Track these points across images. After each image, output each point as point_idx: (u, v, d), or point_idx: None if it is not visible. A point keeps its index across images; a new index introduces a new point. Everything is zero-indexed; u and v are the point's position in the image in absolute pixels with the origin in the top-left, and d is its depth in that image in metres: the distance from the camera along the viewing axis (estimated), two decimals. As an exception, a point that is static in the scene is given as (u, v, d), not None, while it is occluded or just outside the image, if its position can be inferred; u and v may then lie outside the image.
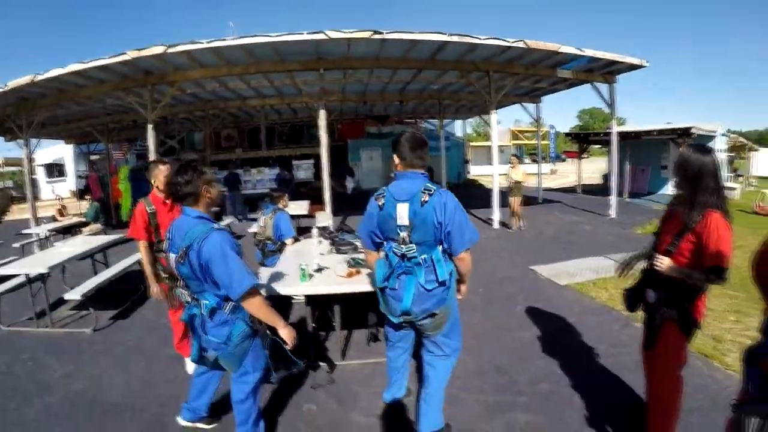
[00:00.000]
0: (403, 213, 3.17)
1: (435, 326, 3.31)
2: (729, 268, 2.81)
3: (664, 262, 3.05)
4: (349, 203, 17.45)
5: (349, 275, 4.67)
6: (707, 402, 3.83)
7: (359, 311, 5.24)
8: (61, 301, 6.69)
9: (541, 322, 5.89)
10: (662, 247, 3.16)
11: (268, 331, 3.16)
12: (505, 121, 78.45)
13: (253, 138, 23.36)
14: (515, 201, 12.58)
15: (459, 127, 31.95)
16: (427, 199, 3.12)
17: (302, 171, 22.04)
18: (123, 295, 7.21)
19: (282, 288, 4.50)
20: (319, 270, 4.83)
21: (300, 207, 11.61)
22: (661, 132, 18.88)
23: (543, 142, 38.41)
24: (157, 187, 4.63)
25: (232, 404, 3.25)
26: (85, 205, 14.11)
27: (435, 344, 3.43)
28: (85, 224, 13.47)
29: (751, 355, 2.24)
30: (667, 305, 3.11)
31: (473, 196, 15.96)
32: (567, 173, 36.73)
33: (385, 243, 3.39)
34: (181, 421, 3.64)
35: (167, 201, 4.57)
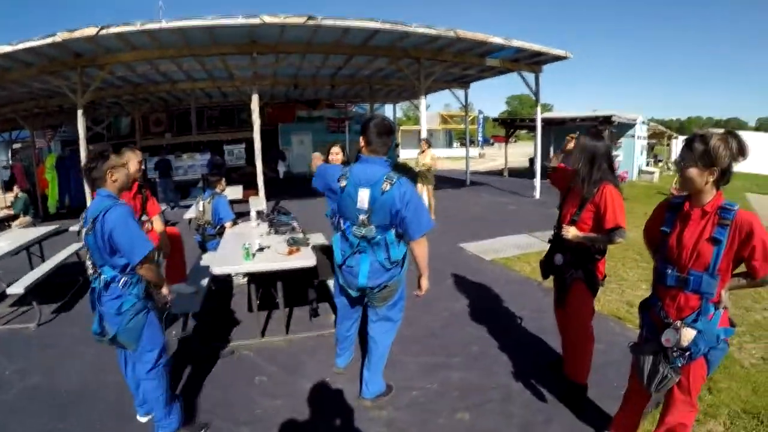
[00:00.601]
0: (364, 198, 3.39)
1: (383, 298, 3.66)
2: (625, 227, 3.40)
3: (570, 231, 3.60)
4: (281, 188, 17.58)
5: (290, 253, 5.05)
6: (620, 356, 4.35)
7: (300, 289, 5.61)
8: (1, 297, 6.61)
9: (469, 294, 6.48)
10: (567, 219, 3.73)
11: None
12: (435, 106, 79.64)
13: (183, 122, 22.63)
14: (426, 189, 11.47)
15: (390, 111, 32.43)
16: (387, 188, 3.32)
17: (234, 156, 21.90)
18: (62, 288, 6.99)
19: (227, 267, 4.88)
20: (261, 249, 5.17)
21: (234, 192, 11.63)
22: (584, 119, 19.95)
23: (472, 127, 39.39)
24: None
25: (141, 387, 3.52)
26: (10, 198, 13.51)
27: (379, 316, 3.77)
28: (13, 217, 12.96)
29: (643, 305, 2.89)
30: (574, 267, 3.68)
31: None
32: (495, 157, 37.65)
33: (341, 221, 3.59)
34: (141, 418, 3.78)
35: (131, 187, 4.75)
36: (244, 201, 11.38)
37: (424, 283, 3.71)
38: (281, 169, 22.14)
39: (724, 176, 2.48)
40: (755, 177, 35.82)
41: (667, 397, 2.76)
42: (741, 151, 2.42)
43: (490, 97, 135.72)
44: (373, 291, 3.61)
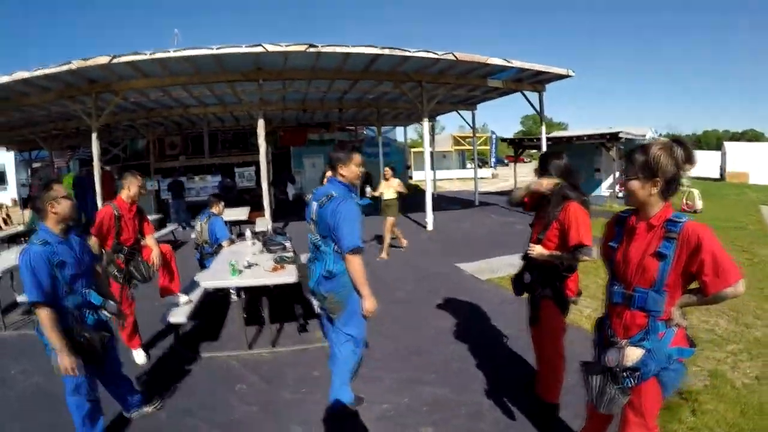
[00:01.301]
0: (313, 210, 3.80)
1: (332, 309, 3.80)
2: (590, 245, 3.35)
3: (535, 249, 3.64)
4: (290, 209, 17.66)
5: (274, 270, 5.36)
6: (585, 367, 4.39)
7: (287, 305, 5.90)
8: (13, 306, 7.00)
9: (460, 313, 6.52)
10: (534, 237, 3.77)
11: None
12: (450, 127, 79.88)
13: (197, 145, 23.12)
14: (388, 221, 10.34)
15: (402, 134, 32.52)
16: (325, 202, 3.67)
17: (244, 178, 22.00)
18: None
19: (215, 282, 5.29)
20: (249, 266, 5.47)
21: (240, 213, 11.79)
22: (590, 137, 19.91)
23: (484, 147, 39.46)
24: (128, 194, 5.10)
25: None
26: (29, 214, 13.92)
27: (336, 329, 3.88)
28: (30, 232, 13.23)
29: (598, 324, 2.79)
30: (542, 285, 3.69)
31: (413, 200, 16.54)
32: (508, 177, 37.64)
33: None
34: (130, 415, 4.03)
35: (132, 207, 5.14)
36: (251, 222, 11.45)
37: (365, 303, 3.75)
38: (290, 191, 22.27)
39: (670, 187, 2.38)
40: (772, 188, 35.31)
41: (622, 419, 2.62)
42: (688, 159, 2.34)
43: (505, 117, 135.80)
44: (324, 298, 3.82)
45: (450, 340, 5.64)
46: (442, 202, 20.47)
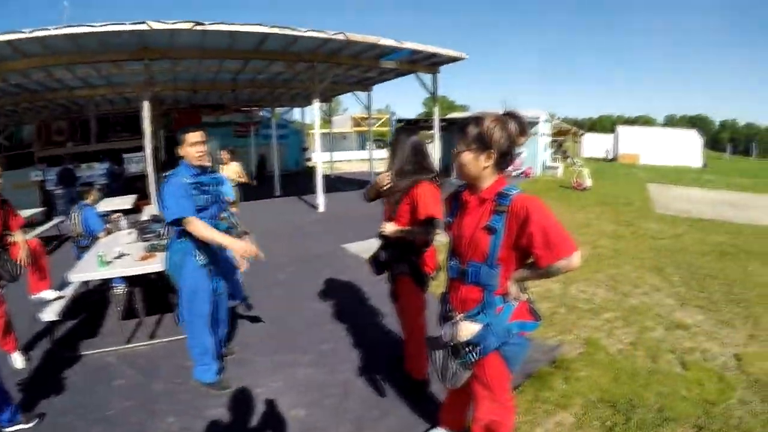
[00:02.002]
0: None
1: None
2: (440, 218, 3.32)
3: (387, 227, 3.63)
4: None
5: (143, 258, 5.12)
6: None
7: (162, 295, 5.72)
8: None
9: (339, 293, 6.58)
10: (387, 215, 3.75)
11: None
12: (353, 108, 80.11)
13: (86, 131, 21.56)
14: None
15: (306, 115, 32.10)
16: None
17: (134, 164, 20.52)
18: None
19: (81, 275, 4.98)
20: (120, 256, 5.21)
21: (125, 202, 11.27)
22: (483, 118, 20.51)
23: (385, 129, 39.57)
24: None
25: None
26: None
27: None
28: None
29: (440, 299, 2.76)
30: (397, 261, 3.68)
31: (308, 182, 16.47)
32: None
33: None
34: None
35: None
36: (138, 210, 10.88)
37: (234, 250, 3.92)
38: None
39: (504, 159, 2.34)
40: (661, 168, 38.04)
41: (473, 394, 2.61)
42: (522, 132, 2.31)
43: (409, 98, 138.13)
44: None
45: (326, 321, 5.66)
46: (339, 183, 20.57)
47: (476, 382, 2.51)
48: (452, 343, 2.44)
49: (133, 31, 9.48)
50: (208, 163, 4.05)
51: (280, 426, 3.65)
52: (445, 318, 2.59)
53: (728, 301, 6.25)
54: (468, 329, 2.38)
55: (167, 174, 3.89)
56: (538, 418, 3.60)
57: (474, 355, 2.39)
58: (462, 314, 2.44)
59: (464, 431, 3.16)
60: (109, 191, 14.59)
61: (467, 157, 2.33)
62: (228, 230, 4.21)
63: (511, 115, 2.34)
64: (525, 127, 2.34)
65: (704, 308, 5.99)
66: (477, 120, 2.33)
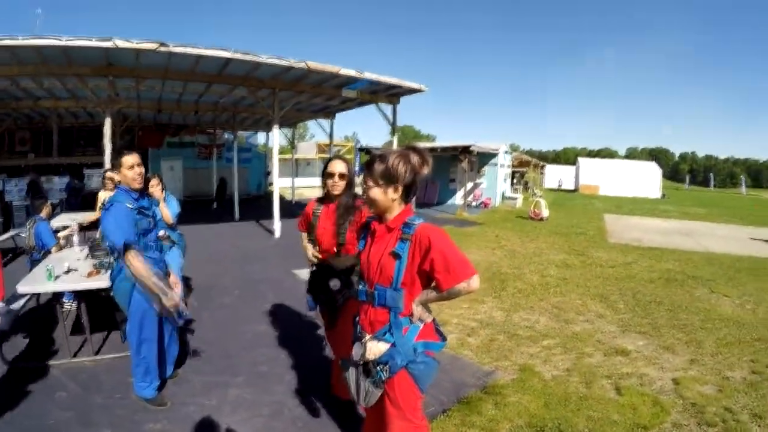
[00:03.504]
0: None
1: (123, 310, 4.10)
2: None
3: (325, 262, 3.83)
4: None
5: (89, 275, 5.15)
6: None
7: (110, 312, 5.73)
8: None
9: (281, 317, 6.64)
10: (327, 246, 3.85)
11: None
12: (319, 135, 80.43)
13: (49, 142, 20.80)
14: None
15: (272, 139, 32.01)
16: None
17: (95, 179, 19.94)
18: None
19: (29, 288, 5.08)
20: (68, 272, 5.24)
21: (81, 217, 10.98)
22: (444, 149, 20.93)
23: (349, 156, 39.70)
24: None
25: None
26: None
27: None
28: None
29: (352, 322, 2.89)
30: (348, 287, 3.68)
31: (268, 207, 16.42)
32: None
33: None
34: None
35: None
36: (96, 227, 10.68)
37: (163, 300, 3.89)
38: None
39: (410, 191, 2.53)
40: (618, 199, 38.91)
41: (384, 414, 2.70)
42: (422, 164, 2.49)
43: (378, 126, 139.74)
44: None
45: (264, 344, 5.71)
46: (299, 208, 20.60)
47: (387, 401, 2.62)
48: (362, 362, 2.57)
49: (98, 47, 9.47)
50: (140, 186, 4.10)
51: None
52: (356, 339, 2.71)
53: (672, 327, 6.49)
54: (376, 348, 2.52)
55: (106, 201, 3.96)
56: (463, 442, 3.69)
57: (384, 373, 2.52)
58: (370, 335, 2.58)
59: None
60: (68, 206, 14.35)
61: (376, 191, 2.50)
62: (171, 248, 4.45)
63: (413, 149, 2.52)
64: (426, 158, 2.51)
65: (646, 334, 6.22)
66: (382, 157, 2.50)
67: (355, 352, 2.60)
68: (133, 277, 3.79)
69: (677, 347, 5.78)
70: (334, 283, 3.70)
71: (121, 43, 9.39)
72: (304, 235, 4.08)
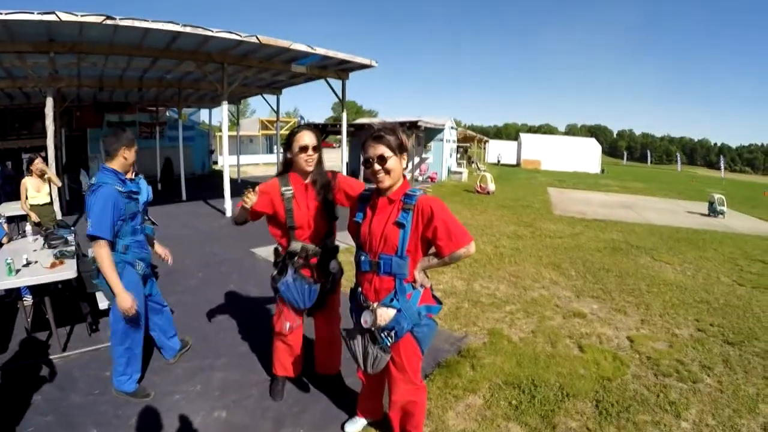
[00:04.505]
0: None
1: (107, 297, 3.88)
2: None
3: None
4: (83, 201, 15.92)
5: (52, 266, 4.83)
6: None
7: (73, 304, 5.39)
8: None
9: (249, 297, 6.52)
10: (309, 223, 3.64)
11: None
12: (260, 111, 79.35)
13: None
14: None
15: (214, 116, 31.26)
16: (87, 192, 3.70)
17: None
18: None
19: None
20: (27, 264, 4.87)
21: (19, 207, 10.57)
22: (390, 125, 21.02)
23: (292, 133, 39.14)
24: None
25: None
26: None
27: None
28: None
29: (351, 293, 2.97)
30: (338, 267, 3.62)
31: (215, 186, 16.04)
32: (319, 163, 38.14)
33: None
34: None
35: None
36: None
37: (117, 301, 3.67)
38: (84, 180, 19.77)
39: (407, 163, 2.72)
40: (560, 174, 40.03)
41: (388, 378, 2.87)
42: (414, 141, 2.66)
43: (318, 102, 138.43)
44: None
45: (240, 325, 5.56)
46: (246, 187, 20.28)
47: (392, 366, 2.77)
48: (372, 329, 2.67)
49: (40, 21, 8.93)
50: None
51: (203, 429, 3.63)
52: (360, 309, 2.80)
53: (621, 291, 6.90)
54: (386, 314, 2.64)
55: (94, 182, 3.70)
56: (449, 403, 3.84)
57: (390, 338, 2.66)
58: (377, 302, 2.69)
59: (382, 418, 3.41)
60: (3, 195, 13.67)
61: (394, 161, 2.61)
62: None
63: (401, 125, 2.66)
64: (407, 134, 2.65)
65: (599, 298, 6.59)
66: (392, 129, 2.65)
67: (365, 319, 2.70)
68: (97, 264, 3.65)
69: (628, 309, 6.17)
70: (333, 265, 3.55)
71: (65, 17, 8.93)
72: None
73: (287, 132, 3.69)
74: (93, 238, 3.52)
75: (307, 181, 3.38)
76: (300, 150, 3.25)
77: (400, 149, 2.62)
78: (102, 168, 3.77)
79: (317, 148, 3.31)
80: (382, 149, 2.58)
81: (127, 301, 3.62)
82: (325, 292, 3.54)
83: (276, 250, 3.59)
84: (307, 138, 3.26)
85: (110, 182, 3.67)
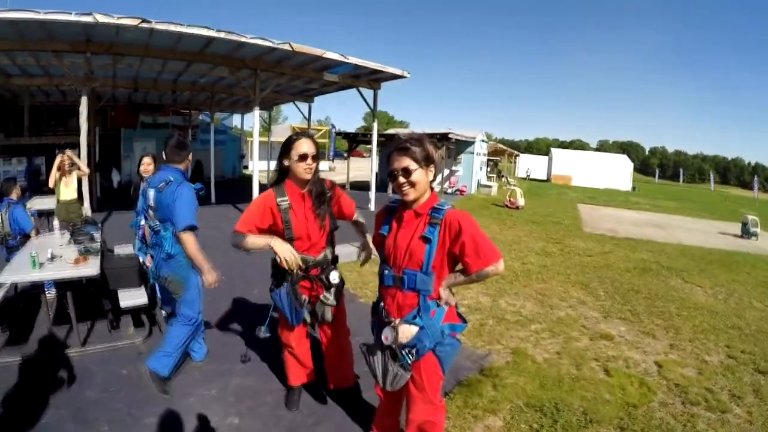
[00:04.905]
0: (150, 196, 4.15)
1: (174, 290, 4.24)
2: None
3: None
4: (117, 198, 16.04)
5: (76, 262, 4.89)
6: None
7: (95, 300, 5.49)
8: None
9: (271, 304, 6.34)
10: (310, 234, 3.53)
11: None
12: (293, 118, 79.89)
13: (19, 122, 19.39)
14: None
15: (246, 121, 31.50)
16: (163, 187, 3.95)
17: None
18: None
19: (14, 277, 4.74)
20: (52, 259, 4.93)
21: (50, 202, 10.65)
22: (421, 136, 21.04)
23: (324, 141, 39.53)
24: None
25: None
26: None
27: (179, 311, 4.23)
28: None
29: (373, 307, 2.91)
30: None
31: (244, 190, 16.01)
32: (345, 170, 38.22)
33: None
34: None
35: None
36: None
37: (205, 277, 4.01)
38: (115, 178, 20.13)
39: (436, 175, 2.62)
40: (591, 190, 39.56)
41: (407, 396, 2.77)
42: (444, 153, 2.58)
43: (350, 112, 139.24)
44: (165, 280, 4.25)
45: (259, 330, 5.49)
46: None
47: (412, 384, 2.66)
48: (393, 346, 2.58)
49: (78, 22, 9.10)
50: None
51: (215, 434, 3.60)
52: (382, 324, 2.72)
53: (650, 314, 6.69)
54: (408, 331, 2.55)
55: (173, 179, 4.01)
56: (468, 423, 3.73)
57: (411, 356, 2.56)
58: (399, 319, 2.60)
59: None
60: (30, 190, 13.83)
61: (420, 173, 2.52)
62: None
63: (432, 138, 2.64)
64: (437, 144, 2.60)
65: (627, 320, 6.39)
66: (415, 140, 2.55)
67: (386, 336, 2.62)
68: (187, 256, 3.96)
69: (657, 333, 5.97)
70: (334, 277, 3.44)
71: (102, 19, 9.07)
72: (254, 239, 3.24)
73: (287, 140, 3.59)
74: (192, 228, 3.84)
75: (304, 190, 3.31)
76: (300, 158, 3.16)
77: (426, 161, 2.52)
78: (172, 169, 4.12)
79: (316, 157, 3.23)
80: (407, 161, 2.50)
81: (215, 274, 4.02)
82: (326, 305, 3.45)
83: (273, 261, 3.36)
84: (307, 146, 3.18)
85: (186, 181, 4.08)
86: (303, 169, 3.18)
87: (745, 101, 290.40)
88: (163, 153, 4.18)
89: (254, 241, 3.19)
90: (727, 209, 31.21)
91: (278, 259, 3.10)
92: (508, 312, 6.42)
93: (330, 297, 3.43)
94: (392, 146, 2.63)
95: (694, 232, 16.91)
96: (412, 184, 2.52)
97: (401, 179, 2.52)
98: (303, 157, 3.15)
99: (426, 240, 2.49)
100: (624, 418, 3.89)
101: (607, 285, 8.12)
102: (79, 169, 8.58)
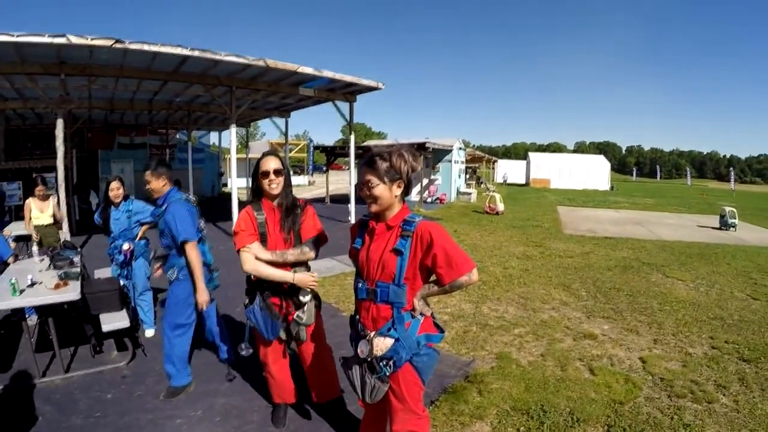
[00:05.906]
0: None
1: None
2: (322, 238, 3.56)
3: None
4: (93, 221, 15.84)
5: (56, 287, 4.82)
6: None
7: (77, 325, 5.40)
8: None
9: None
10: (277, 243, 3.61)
11: None
12: (271, 133, 79.80)
13: None
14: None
15: (224, 139, 31.38)
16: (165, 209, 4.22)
17: (45, 186, 19.16)
18: None
19: None
20: (32, 285, 4.87)
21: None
22: (400, 147, 21.14)
23: (302, 155, 39.47)
24: None
25: None
26: None
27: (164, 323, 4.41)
28: None
29: (350, 321, 2.90)
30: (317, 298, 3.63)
31: (223, 208, 15.90)
32: (324, 184, 38.15)
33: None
34: None
35: None
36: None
37: (198, 295, 4.21)
38: (93, 200, 19.28)
39: (408, 188, 2.60)
40: (569, 192, 39.90)
41: (389, 408, 2.76)
42: (415, 161, 2.55)
43: (328, 125, 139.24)
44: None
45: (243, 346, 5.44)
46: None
47: (392, 396, 2.67)
48: (369, 359, 2.60)
49: (51, 44, 9.01)
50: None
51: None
52: (358, 337, 2.73)
53: (633, 311, 6.79)
54: (382, 344, 2.56)
55: (167, 197, 4.31)
56: (455, 430, 3.75)
57: (389, 368, 2.56)
58: (374, 331, 2.62)
59: None
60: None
61: (381, 188, 2.52)
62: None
63: (405, 148, 2.58)
64: (416, 155, 2.58)
65: (610, 318, 6.48)
66: (382, 155, 2.55)
67: (362, 349, 2.62)
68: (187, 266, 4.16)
69: (640, 329, 6.06)
70: (304, 294, 3.48)
71: (75, 40, 9.01)
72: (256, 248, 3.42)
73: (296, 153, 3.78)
74: (187, 242, 4.07)
75: (275, 204, 3.45)
76: (262, 175, 3.34)
77: (390, 176, 2.52)
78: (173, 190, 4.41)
79: (280, 172, 3.36)
80: (369, 176, 2.52)
81: (207, 295, 4.25)
82: (300, 324, 3.51)
83: (248, 278, 3.63)
84: (270, 163, 3.34)
85: (182, 199, 4.32)
86: (267, 185, 3.34)
87: (718, 95, 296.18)
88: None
89: (271, 274, 3.40)
90: (705, 203, 31.74)
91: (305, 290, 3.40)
92: (491, 317, 6.46)
93: (303, 317, 3.46)
94: (363, 159, 2.65)
95: (673, 227, 17.16)
96: (374, 198, 2.54)
97: (366, 192, 2.55)
98: (265, 174, 3.33)
99: (398, 252, 2.51)
100: (611, 416, 3.95)
101: (588, 285, 8.21)
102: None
